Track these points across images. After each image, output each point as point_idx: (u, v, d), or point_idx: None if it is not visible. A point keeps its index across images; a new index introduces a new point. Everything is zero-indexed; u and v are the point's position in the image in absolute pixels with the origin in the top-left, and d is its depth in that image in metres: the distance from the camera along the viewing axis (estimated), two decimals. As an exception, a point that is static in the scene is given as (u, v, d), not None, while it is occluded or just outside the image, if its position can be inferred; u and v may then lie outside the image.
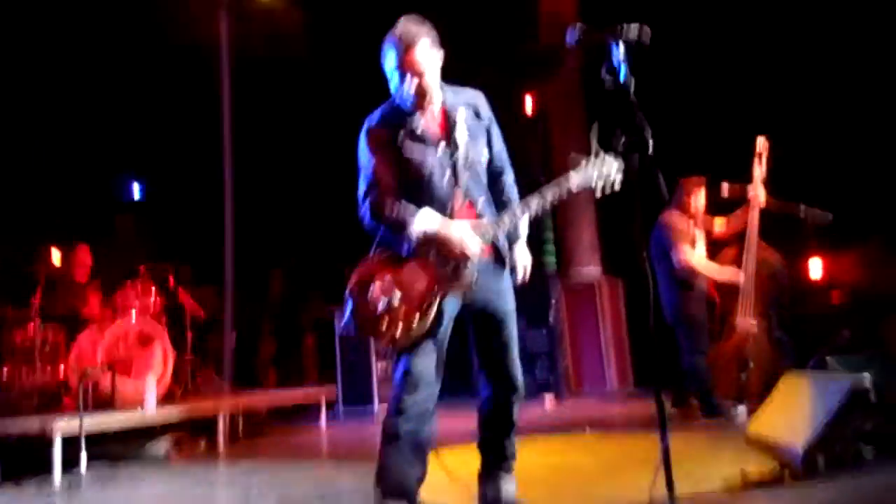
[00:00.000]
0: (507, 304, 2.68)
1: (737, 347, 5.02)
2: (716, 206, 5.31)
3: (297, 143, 8.93)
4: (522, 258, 2.78)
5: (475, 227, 2.52)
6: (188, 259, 7.44)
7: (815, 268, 6.27)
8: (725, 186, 5.10)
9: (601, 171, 2.55)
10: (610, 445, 4.52)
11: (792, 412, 3.33)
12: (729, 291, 5.15)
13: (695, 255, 5.04)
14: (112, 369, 5.39)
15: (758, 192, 5.08)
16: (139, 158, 8.58)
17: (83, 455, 4.19)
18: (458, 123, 2.61)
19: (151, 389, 5.31)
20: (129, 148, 8.38)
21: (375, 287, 2.50)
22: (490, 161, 2.73)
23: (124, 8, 7.13)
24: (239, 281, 7.60)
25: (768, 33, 7.04)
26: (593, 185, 2.56)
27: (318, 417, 6.36)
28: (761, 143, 5.14)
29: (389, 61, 2.55)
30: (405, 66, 2.51)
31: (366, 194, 2.58)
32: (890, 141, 6.60)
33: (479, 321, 2.68)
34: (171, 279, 6.91)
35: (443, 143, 2.59)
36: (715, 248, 5.26)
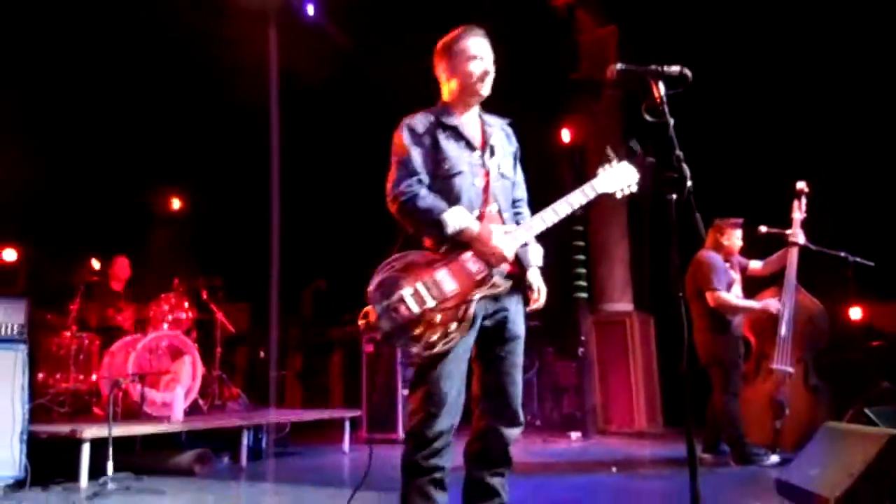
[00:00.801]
0: (519, 328, 2.60)
1: (772, 393, 4.91)
2: (754, 248, 5.23)
3: (336, 164, 9.03)
4: (538, 282, 2.69)
5: (508, 231, 2.50)
6: (221, 274, 7.54)
7: (856, 316, 6.12)
8: (763, 229, 5.05)
9: (621, 178, 2.68)
10: (637, 487, 4.43)
11: (827, 463, 3.23)
12: (765, 333, 5.06)
13: (730, 295, 4.95)
14: (142, 380, 5.47)
15: (797, 235, 5.01)
16: (181, 173, 8.75)
17: (110, 463, 4.23)
18: (494, 136, 2.68)
19: (179, 401, 5.37)
20: (171, 162, 8.55)
21: (405, 292, 2.38)
22: (514, 185, 2.75)
23: (167, 23, 7.26)
24: (271, 299, 7.68)
25: (814, 78, 6.96)
26: (614, 190, 2.67)
27: (342, 439, 6.35)
28: (801, 186, 5.08)
29: (467, 46, 2.62)
30: (483, 54, 2.61)
31: (399, 181, 2.53)
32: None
33: (487, 340, 2.55)
34: (204, 294, 7.01)
35: (480, 148, 2.62)
36: (751, 292, 5.18)
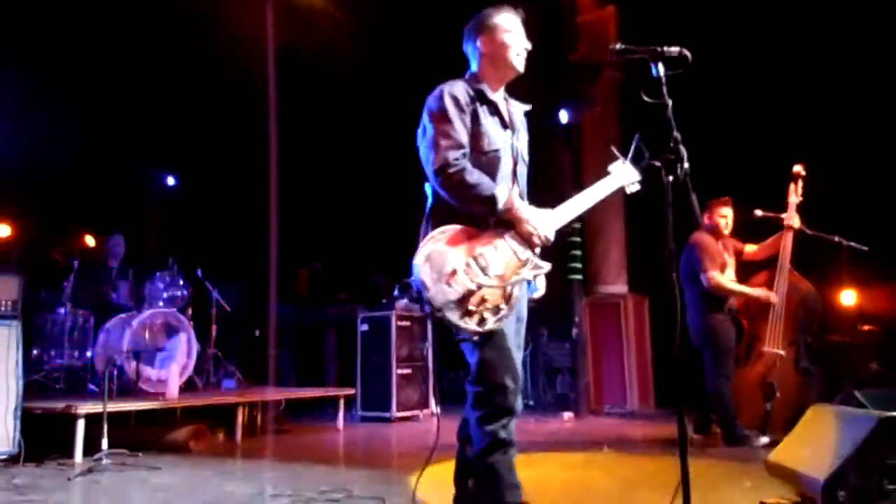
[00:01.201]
0: (524, 311, 2.64)
1: (763, 376, 4.95)
2: (750, 232, 5.24)
3: (332, 144, 8.99)
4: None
5: (546, 216, 2.50)
6: (217, 252, 7.53)
7: (848, 300, 6.15)
8: (758, 213, 5.06)
9: (628, 176, 2.73)
10: (628, 465, 4.48)
11: (816, 444, 3.26)
12: (757, 316, 5.09)
13: (725, 278, 4.98)
14: (137, 357, 5.48)
15: (792, 218, 5.02)
16: (177, 151, 8.69)
17: (105, 440, 4.25)
18: (517, 120, 2.70)
19: (174, 378, 5.39)
20: (167, 140, 8.50)
21: (458, 265, 2.30)
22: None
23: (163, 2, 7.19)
24: (267, 278, 7.68)
25: (812, 61, 6.93)
26: (625, 184, 2.72)
27: (336, 417, 6.39)
28: (797, 169, 5.08)
29: (503, 21, 2.61)
30: (519, 30, 2.61)
31: (447, 151, 2.42)
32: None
33: None
34: (199, 271, 7.00)
35: (510, 129, 2.62)
36: (745, 274, 5.19)
